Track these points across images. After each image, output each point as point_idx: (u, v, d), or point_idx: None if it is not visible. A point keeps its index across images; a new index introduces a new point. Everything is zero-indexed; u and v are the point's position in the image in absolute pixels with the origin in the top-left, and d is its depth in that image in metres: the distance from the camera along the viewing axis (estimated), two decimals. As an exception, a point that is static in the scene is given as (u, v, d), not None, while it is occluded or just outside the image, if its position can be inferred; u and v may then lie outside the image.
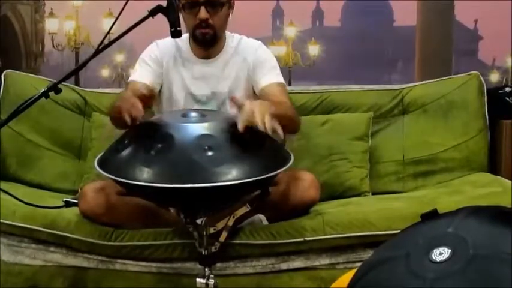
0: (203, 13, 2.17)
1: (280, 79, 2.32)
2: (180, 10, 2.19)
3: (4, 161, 2.69)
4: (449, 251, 0.82)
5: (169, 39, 2.23)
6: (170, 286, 2.16)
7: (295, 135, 2.42)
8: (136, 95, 1.98)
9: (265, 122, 1.73)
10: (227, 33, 2.34)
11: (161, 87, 2.31)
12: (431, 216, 0.94)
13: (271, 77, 2.28)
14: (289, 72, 15.13)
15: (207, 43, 2.26)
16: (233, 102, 1.87)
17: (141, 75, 2.28)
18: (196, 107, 2.25)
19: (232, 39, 2.35)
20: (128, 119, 1.78)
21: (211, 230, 1.84)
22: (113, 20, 2.07)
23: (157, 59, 2.30)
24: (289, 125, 2.18)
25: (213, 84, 2.29)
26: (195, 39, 2.26)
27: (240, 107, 1.79)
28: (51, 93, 1.88)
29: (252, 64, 2.30)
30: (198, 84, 2.29)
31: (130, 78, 2.31)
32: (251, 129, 1.86)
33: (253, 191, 1.86)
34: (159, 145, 1.68)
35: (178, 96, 2.30)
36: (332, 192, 2.59)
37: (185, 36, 2.27)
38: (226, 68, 2.30)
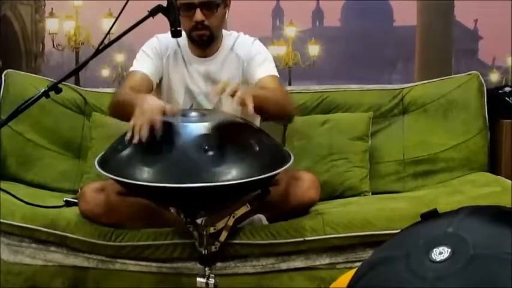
0: (199, 15, 2.17)
1: (273, 71, 2.27)
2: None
3: (4, 161, 2.70)
4: (449, 250, 0.82)
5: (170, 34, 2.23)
6: (170, 286, 2.16)
7: (295, 135, 2.42)
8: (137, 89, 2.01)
9: (235, 92, 1.80)
10: (224, 31, 2.34)
11: (161, 81, 2.31)
12: (431, 216, 0.94)
13: (263, 70, 2.25)
14: (289, 72, 15.13)
15: (204, 44, 2.26)
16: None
17: (141, 65, 2.27)
18: (194, 103, 2.25)
19: (229, 37, 2.34)
20: (146, 131, 1.71)
21: (211, 230, 1.84)
22: (113, 20, 2.06)
23: (158, 52, 2.30)
24: (277, 107, 2.08)
25: (210, 82, 2.29)
26: (191, 40, 2.26)
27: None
28: (52, 93, 1.88)
29: (246, 60, 2.29)
30: (196, 81, 2.30)
31: (132, 69, 2.30)
32: (251, 128, 1.86)
33: (253, 191, 1.86)
34: (159, 145, 1.68)
35: (178, 91, 2.30)
36: (332, 192, 2.59)
37: (183, 33, 2.27)
38: (223, 67, 2.31)
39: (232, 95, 1.82)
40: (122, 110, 1.99)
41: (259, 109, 1.97)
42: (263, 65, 2.27)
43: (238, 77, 2.27)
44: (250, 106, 1.83)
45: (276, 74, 2.29)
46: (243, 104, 1.84)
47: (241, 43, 2.33)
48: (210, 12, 2.19)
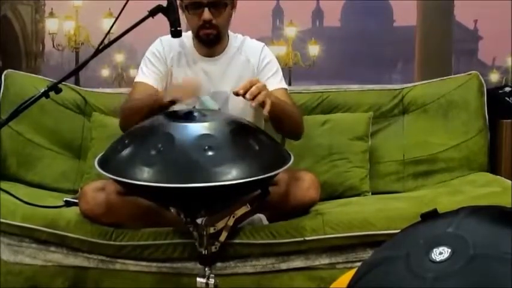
0: (207, 14, 2.19)
1: (283, 84, 2.35)
2: (182, 10, 2.20)
3: (4, 161, 2.69)
4: (449, 250, 0.82)
5: None
6: (170, 286, 2.16)
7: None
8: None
9: (258, 94, 1.87)
10: (231, 33, 2.36)
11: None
12: (431, 216, 0.94)
13: (276, 82, 2.30)
14: (289, 72, 15.13)
15: (211, 43, 2.27)
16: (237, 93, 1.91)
17: (148, 76, 2.29)
18: (198, 104, 2.25)
19: (236, 39, 2.36)
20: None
21: (211, 230, 1.84)
22: (113, 20, 2.06)
23: (162, 57, 2.31)
24: (291, 121, 2.18)
25: (215, 82, 2.30)
26: (198, 39, 2.27)
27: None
28: (52, 93, 1.88)
29: (257, 66, 2.32)
30: (201, 81, 2.30)
31: (137, 79, 2.31)
32: (251, 128, 1.86)
33: (253, 191, 1.86)
34: (159, 145, 1.68)
35: None
36: (332, 192, 2.59)
37: (189, 33, 2.29)
38: (229, 67, 2.32)
39: (254, 97, 1.87)
40: (138, 112, 2.01)
41: (274, 118, 1.98)
42: (275, 77, 2.33)
43: (247, 79, 2.29)
44: (267, 109, 1.85)
45: (286, 86, 2.37)
46: (260, 104, 1.87)
47: (250, 47, 2.36)
48: (218, 11, 2.21)
